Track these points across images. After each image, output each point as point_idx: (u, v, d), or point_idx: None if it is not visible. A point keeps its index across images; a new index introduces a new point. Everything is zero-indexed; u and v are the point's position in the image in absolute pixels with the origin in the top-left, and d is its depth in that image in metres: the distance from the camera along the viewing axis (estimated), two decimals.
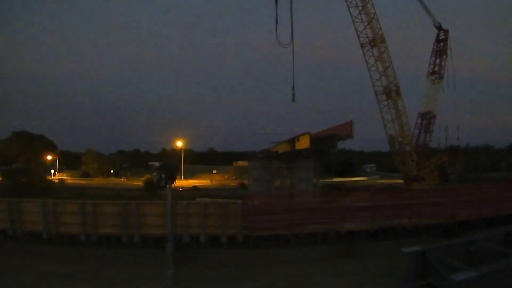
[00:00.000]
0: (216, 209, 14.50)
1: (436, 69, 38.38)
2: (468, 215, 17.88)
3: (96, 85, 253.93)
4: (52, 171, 76.25)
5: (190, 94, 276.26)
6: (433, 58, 38.79)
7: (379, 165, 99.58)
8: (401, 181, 40.21)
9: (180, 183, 58.97)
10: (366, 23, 32.57)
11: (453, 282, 9.67)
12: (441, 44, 38.07)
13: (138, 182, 61.17)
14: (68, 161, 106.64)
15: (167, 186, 7.50)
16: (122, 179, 73.14)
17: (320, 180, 43.86)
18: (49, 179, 54.91)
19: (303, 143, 33.23)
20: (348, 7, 32.37)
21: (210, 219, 14.45)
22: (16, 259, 15.53)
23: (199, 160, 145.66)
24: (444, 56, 37.89)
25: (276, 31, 22.29)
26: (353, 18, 32.63)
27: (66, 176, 74.24)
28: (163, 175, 7.39)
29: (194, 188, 56.90)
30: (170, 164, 7.69)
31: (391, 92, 33.67)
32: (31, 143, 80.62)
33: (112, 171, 79.75)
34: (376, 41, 32.80)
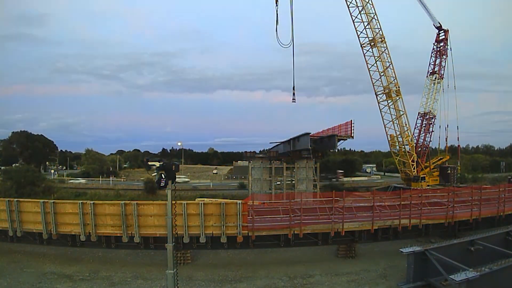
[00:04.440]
0: (216, 209, 14.48)
1: (436, 69, 38.38)
2: (468, 215, 17.90)
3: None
4: (52, 171, 76.26)
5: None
6: (433, 58, 38.79)
7: (379, 165, 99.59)
8: (401, 181, 40.20)
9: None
10: (366, 23, 32.58)
11: (453, 282, 9.69)
12: (441, 44, 38.06)
13: (138, 182, 61.14)
14: (68, 161, 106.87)
15: (167, 186, 7.47)
16: (122, 179, 73.08)
17: (320, 180, 43.93)
18: (49, 179, 54.68)
19: (303, 143, 33.22)
20: (348, 7, 32.39)
21: (210, 219, 14.44)
22: (16, 259, 15.56)
23: (199, 160, 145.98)
24: (444, 56, 37.87)
25: (276, 31, 22.37)
26: (353, 18, 32.65)
27: (66, 176, 74.03)
28: (163, 175, 7.34)
29: (194, 188, 56.88)
30: (170, 164, 7.60)
31: (391, 92, 33.67)
32: (31, 143, 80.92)
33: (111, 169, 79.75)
34: (376, 41, 32.81)
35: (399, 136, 34.91)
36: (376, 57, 33.21)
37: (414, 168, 35.83)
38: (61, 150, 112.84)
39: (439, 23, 37.66)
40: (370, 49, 33.15)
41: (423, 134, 39.01)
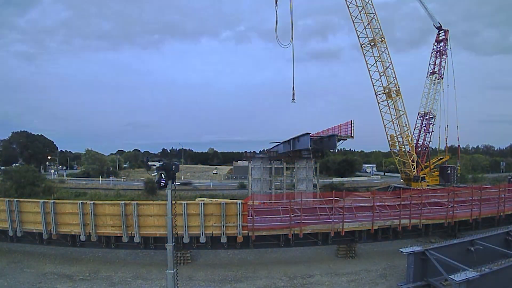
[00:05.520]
0: (216, 209, 14.48)
1: (436, 69, 38.36)
2: (468, 215, 17.90)
3: None
4: (52, 171, 76.32)
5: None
6: (433, 58, 38.77)
7: (379, 165, 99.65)
8: (401, 181, 40.19)
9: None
10: (366, 23, 32.58)
11: (453, 282, 9.70)
12: (441, 44, 38.04)
13: (138, 182, 61.16)
14: (68, 161, 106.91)
15: (167, 186, 7.47)
16: (122, 179, 73.13)
17: (320, 180, 43.92)
18: (49, 179, 54.67)
19: (303, 143, 33.21)
20: (348, 7, 32.40)
21: (210, 219, 14.44)
22: (16, 259, 15.57)
23: (199, 160, 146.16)
24: (444, 56, 37.85)
25: (276, 31, 22.42)
26: (353, 18, 32.66)
27: (66, 176, 74.06)
28: (163, 175, 7.35)
29: (194, 188, 56.89)
30: (170, 164, 7.61)
31: (391, 92, 33.67)
32: (31, 143, 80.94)
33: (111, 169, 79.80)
34: (376, 41, 32.81)
35: (399, 136, 34.91)
36: (376, 57, 33.20)
37: (414, 168, 35.81)
38: (61, 150, 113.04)
39: (439, 23, 37.65)
40: (370, 49, 33.14)
41: (423, 134, 39.02)
